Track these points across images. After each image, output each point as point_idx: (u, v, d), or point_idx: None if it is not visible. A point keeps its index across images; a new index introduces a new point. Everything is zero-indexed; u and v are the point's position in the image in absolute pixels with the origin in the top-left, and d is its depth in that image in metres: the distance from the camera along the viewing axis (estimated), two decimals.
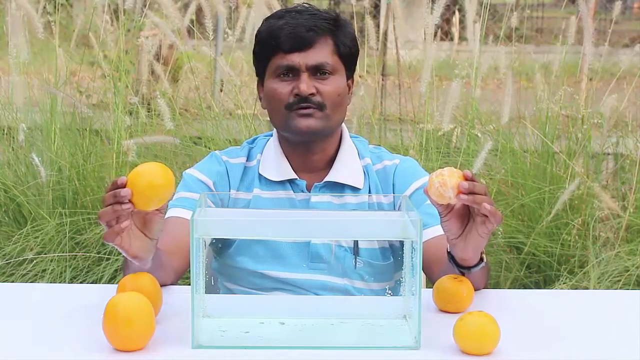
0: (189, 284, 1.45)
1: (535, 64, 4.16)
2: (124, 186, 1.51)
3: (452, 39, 5.17)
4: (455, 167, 1.98)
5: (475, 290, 1.66)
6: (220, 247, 1.94)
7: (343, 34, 1.92)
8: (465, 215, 1.64)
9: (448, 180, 1.56)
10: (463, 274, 1.69)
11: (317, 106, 1.87)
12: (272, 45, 1.89)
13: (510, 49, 3.92)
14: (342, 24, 1.93)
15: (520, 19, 4.58)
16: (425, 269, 1.84)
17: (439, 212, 1.64)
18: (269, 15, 1.98)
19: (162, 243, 1.75)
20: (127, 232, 1.55)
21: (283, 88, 1.88)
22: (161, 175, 1.52)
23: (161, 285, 1.60)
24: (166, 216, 1.90)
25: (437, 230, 1.82)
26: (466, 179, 1.57)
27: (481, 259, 1.70)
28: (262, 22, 1.95)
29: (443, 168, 1.59)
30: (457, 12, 4.81)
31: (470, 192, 1.56)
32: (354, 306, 1.76)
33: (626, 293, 2.21)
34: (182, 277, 1.87)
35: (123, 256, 1.63)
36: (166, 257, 1.75)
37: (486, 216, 1.59)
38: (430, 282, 1.85)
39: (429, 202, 1.61)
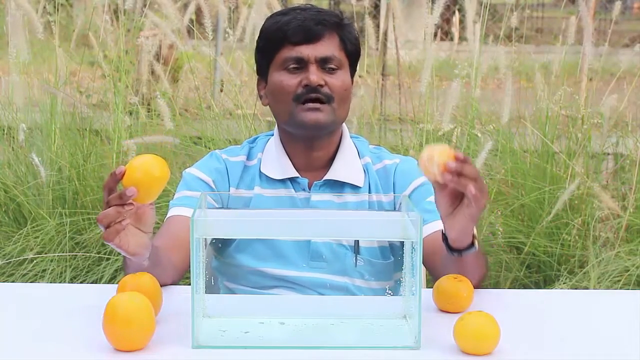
0: (189, 284, 1.45)
1: (535, 64, 4.15)
2: (122, 176, 1.49)
3: (452, 39, 5.16)
4: None
5: (473, 283, 1.66)
6: (221, 246, 1.94)
7: (348, 32, 1.94)
8: (458, 196, 1.63)
9: (436, 157, 1.55)
10: (454, 256, 1.69)
11: (325, 99, 1.87)
12: (280, 38, 1.89)
13: (510, 49, 3.91)
14: (347, 23, 1.95)
15: (520, 19, 4.57)
16: (426, 262, 1.84)
17: (433, 187, 1.64)
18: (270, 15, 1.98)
19: (164, 241, 1.74)
20: (125, 230, 1.55)
21: (291, 80, 1.88)
22: (158, 167, 1.51)
23: (161, 284, 1.60)
24: (167, 215, 1.91)
25: (436, 225, 1.82)
26: (457, 160, 1.57)
27: (473, 245, 1.70)
28: (266, 19, 1.96)
29: (439, 144, 1.58)
30: (457, 12, 4.81)
31: (459, 174, 1.56)
32: (354, 306, 1.76)
33: (626, 293, 2.21)
34: (183, 276, 1.86)
35: (123, 256, 1.63)
36: (166, 255, 1.75)
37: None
38: (431, 276, 1.85)
39: (429, 199, 1.61)
